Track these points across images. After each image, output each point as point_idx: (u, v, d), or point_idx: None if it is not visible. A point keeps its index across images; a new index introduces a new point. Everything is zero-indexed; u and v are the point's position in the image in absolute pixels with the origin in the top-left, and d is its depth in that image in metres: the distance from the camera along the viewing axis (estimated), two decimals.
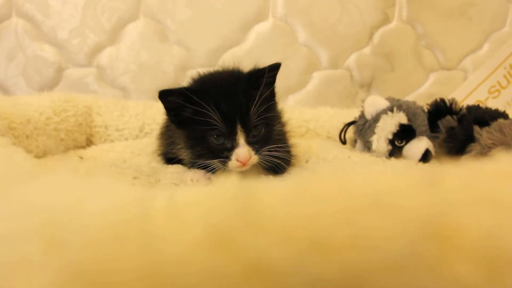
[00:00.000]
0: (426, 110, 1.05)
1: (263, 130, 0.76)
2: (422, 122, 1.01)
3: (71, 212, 0.25)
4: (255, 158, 0.75)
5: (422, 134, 1.00)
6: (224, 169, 0.76)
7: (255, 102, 0.73)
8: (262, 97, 0.74)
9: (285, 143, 0.86)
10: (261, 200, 0.27)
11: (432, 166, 0.93)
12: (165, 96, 0.75)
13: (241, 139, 0.73)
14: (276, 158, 0.76)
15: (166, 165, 0.94)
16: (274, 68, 0.79)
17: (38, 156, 0.96)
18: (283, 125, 0.93)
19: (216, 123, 0.72)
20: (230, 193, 0.28)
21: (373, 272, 0.24)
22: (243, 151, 0.72)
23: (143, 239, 0.24)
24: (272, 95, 0.82)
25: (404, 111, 1.02)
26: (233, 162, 0.74)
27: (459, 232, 0.24)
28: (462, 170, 0.30)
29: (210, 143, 0.74)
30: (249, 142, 0.74)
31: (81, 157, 1.05)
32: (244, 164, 0.73)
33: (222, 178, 0.30)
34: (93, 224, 0.24)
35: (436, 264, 0.23)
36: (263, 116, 0.75)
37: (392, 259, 0.23)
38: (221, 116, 0.71)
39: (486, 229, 0.24)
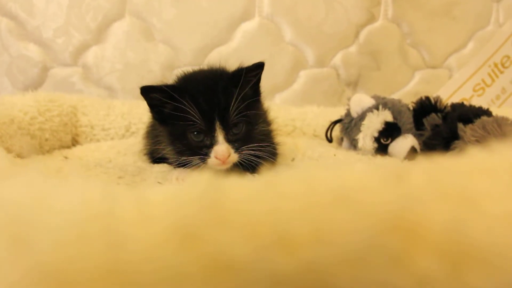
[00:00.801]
0: (411, 108, 1.06)
1: (244, 128, 0.76)
2: (407, 120, 1.02)
3: (36, 210, 0.24)
4: (234, 157, 0.75)
5: (407, 131, 1.01)
6: (204, 166, 0.76)
7: (234, 100, 0.73)
8: (242, 95, 0.74)
9: (269, 142, 0.86)
10: (228, 196, 0.27)
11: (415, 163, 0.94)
12: (147, 92, 0.75)
13: (220, 136, 0.73)
14: (257, 157, 0.76)
15: (151, 165, 0.93)
16: (257, 67, 0.79)
17: (22, 156, 0.95)
18: (268, 124, 0.92)
19: (195, 120, 0.72)
20: (198, 190, 0.28)
21: (334, 266, 0.24)
22: (221, 149, 0.72)
23: (109, 236, 0.24)
24: (256, 93, 0.82)
25: (389, 109, 1.03)
26: (212, 160, 0.74)
27: (423, 226, 0.24)
28: (430, 165, 0.31)
29: (190, 140, 0.75)
30: (228, 140, 0.74)
31: (66, 157, 1.04)
32: (223, 162, 0.73)
33: (192, 176, 0.30)
34: (59, 222, 0.24)
35: (399, 257, 0.24)
36: (244, 114, 0.75)
37: (353, 252, 0.24)
38: (200, 113, 0.71)
39: (449, 224, 0.24)
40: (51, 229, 0.23)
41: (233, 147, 0.74)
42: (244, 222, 0.25)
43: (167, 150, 0.83)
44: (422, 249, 0.24)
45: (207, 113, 0.72)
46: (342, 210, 0.25)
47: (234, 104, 0.73)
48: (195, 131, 0.74)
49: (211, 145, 0.73)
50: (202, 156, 0.74)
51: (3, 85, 1.51)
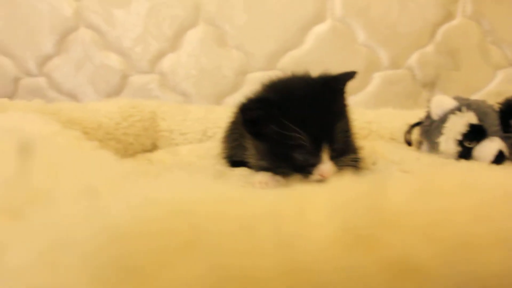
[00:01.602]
0: (497, 109, 1.01)
1: (343, 141, 0.75)
2: (493, 122, 0.97)
3: (205, 208, 0.25)
4: (334, 171, 0.73)
5: (493, 134, 0.96)
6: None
7: (339, 118, 0.72)
8: (341, 108, 0.73)
9: (356, 148, 0.84)
10: (388, 197, 0.27)
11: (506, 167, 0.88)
12: (248, 110, 0.74)
13: (325, 156, 0.71)
14: (348, 164, 0.75)
15: (231, 168, 0.94)
16: (350, 76, 0.78)
17: None
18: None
19: (302, 142, 0.70)
20: (356, 191, 0.28)
21: None
22: (327, 168, 0.71)
23: (276, 235, 0.24)
24: (346, 102, 0.81)
25: (473, 110, 0.98)
26: (314, 176, 0.72)
27: None
28: None
29: (293, 160, 0.72)
30: (331, 157, 0.72)
31: (149, 161, 1.08)
32: (324, 178, 0.72)
33: (339, 178, 0.30)
34: (227, 217, 0.24)
35: None
36: (343, 127, 0.74)
37: None
38: (308, 135, 0.69)
39: None
40: (220, 226, 0.24)
41: (334, 162, 0.72)
42: (416, 224, 0.24)
43: (252, 158, 0.82)
44: None
45: (315, 136, 0.70)
46: None
47: (339, 122, 0.72)
48: (300, 152, 0.72)
49: (315, 164, 0.72)
50: (304, 174, 0.72)
51: (87, 93, 1.61)
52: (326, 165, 0.71)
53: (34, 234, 0.25)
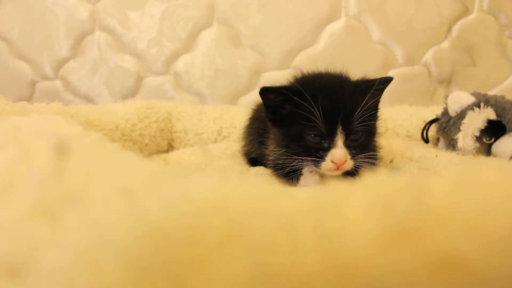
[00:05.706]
0: None
1: (362, 136, 0.74)
2: None
3: (244, 204, 0.25)
4: (350, 163, 0.72)
5: None
6: (316, 170, 0.75)
7: (360, 108, 0.71)
8: (368, 105, 0.72)
9: (376, 147, 0.84)
10: (430, 191, 0.26)
11: None
12: (266, 93, 0.75)
13: (339, 140, 0.71)
14: (366, 164, 0.74)
15: (248, 167, 0.95)
16: (385, 82, 0.79)
17: None
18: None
19: (316, 122, 0.71)
20: (395, 186, 0.28)
21: None
22: (339, 152, 0.70)
23: (317, 231, 0.24)
24: (377, 105, 0.81)
25: (492, 106, 0.97)
26: (326, 163, 0.71)
27: None
28: None
29: (307, 141, 0.73)
30: (346, 145, 0.72)
31: (165, 161, 1.09)
32: (337, 168, 0.71)
33: (373, 174, 0.30)
34: (266, 214, 0.24)
35: None
36: (366, 123, 0.73)
37: None
38: (323, 115, 0.70)
39: None
40: (265, 231, 0.24)
41: (350, 153, 0.72)
42: (460, 218, 0.24)
43: (274, 153, 0.82)
44: None
45: (330, 117, 0.71)
46: None
47: (359, 111, 0.71)
48: (314, 134, 0.72)
49: (328, 149, 0.72)
50: (316, 159, 0.73)
51: (102, 95, 1.62)
52: (338, 150, 0.71)
53: (71, 234, 0.25)
